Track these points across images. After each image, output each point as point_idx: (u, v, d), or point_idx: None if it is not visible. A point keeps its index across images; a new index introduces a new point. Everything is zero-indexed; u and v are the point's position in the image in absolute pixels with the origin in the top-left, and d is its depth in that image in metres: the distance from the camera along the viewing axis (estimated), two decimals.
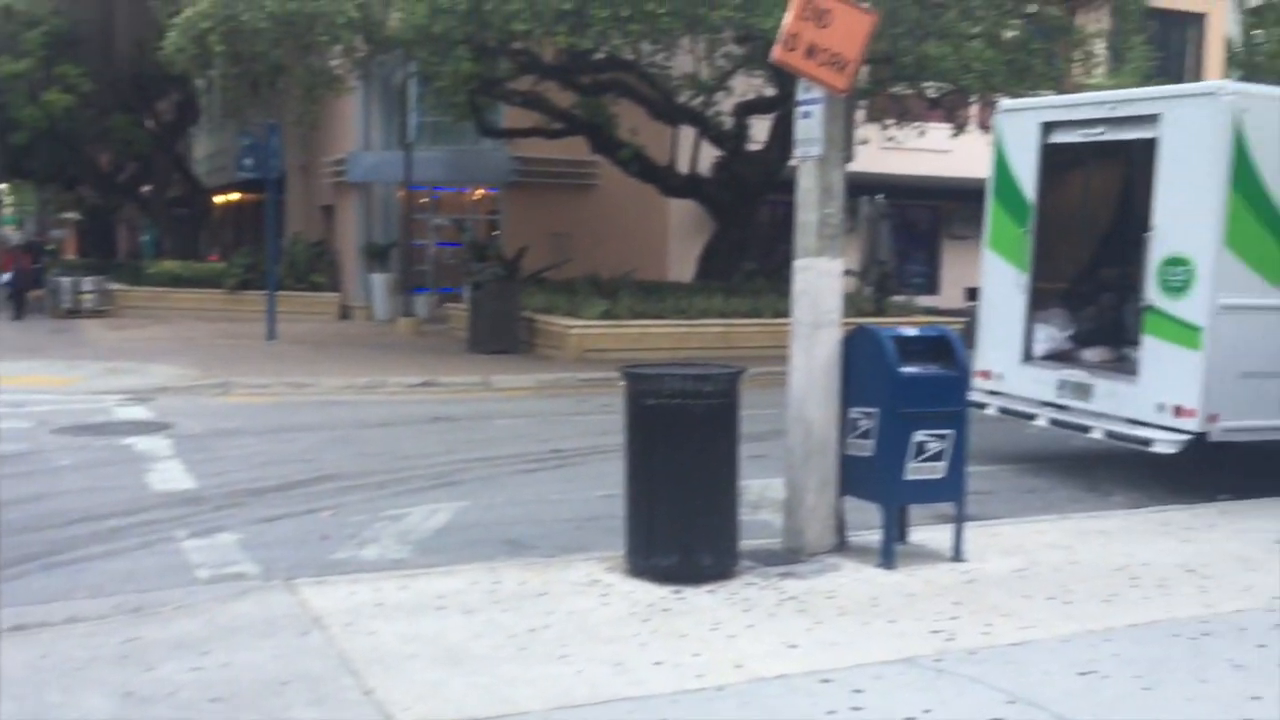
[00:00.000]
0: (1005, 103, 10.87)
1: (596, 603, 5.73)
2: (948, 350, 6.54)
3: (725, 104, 20.08)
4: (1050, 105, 10.63)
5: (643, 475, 6.15)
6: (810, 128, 6.68)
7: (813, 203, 6.67)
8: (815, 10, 6.49)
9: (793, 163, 6.77)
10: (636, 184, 21.52)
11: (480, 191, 26.33)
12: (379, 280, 24.98)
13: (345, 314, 25.49)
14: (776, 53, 6.66)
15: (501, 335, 18.19)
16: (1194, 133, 8.59)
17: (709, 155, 21.00)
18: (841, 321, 6.70)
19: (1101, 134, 9.44)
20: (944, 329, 6.82)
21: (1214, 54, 26.40)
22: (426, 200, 25.74)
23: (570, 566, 6.36)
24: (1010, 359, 10.00)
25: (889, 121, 20.26)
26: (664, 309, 18.04)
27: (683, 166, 21.15)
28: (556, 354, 17.45)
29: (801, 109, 6.74)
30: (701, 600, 5.77)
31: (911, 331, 6.72)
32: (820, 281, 6.64)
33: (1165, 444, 8.58)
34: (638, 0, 14.80)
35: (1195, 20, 26.55)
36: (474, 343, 18.36)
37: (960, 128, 19.84)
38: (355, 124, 25.11)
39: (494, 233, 25.73)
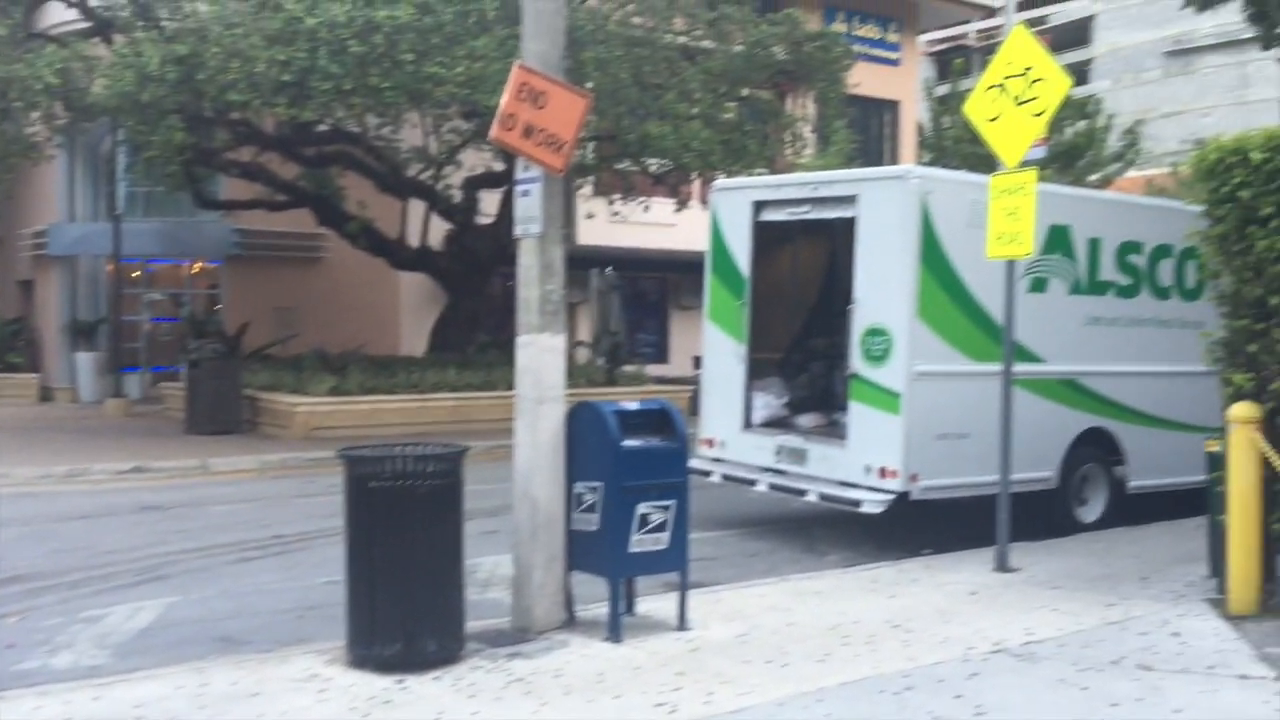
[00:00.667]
0: (719, 182, 11.40)
1: (313, 699, 5.46)
2: (668, 422, 6.71)
3: (455, 177, 20.09)
4: (761, 185, 11.21)
5: (364, 560, 5.95)
6: (529, 206, 6.76)
7: (534, 279, 6.73)
8: (531, 91, 6.61)
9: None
10: (366, 257, 21.14)
11: (199, 265, 25.16)
12: (85, 359, 23.34)
13: (46, 396, 23.62)
14: (494, 132, 6.73)
15: (222, 415, 17.33)
16: (886, 213, 9.25)
17: (439, 228, 20.91)
18: (566, 396, 6.76)
19: (807, 213, 10.02)
20: (664, 402, 6.98)
21: (908, 138, 28.73)
22: (139, 274, 24.36)
23: (287, 661, 6.05)
24: (731, 427, 10.36)
25: (615, 196, 20.81)
26: (395, 384, 17.71)
27: (413, 239, 20.94)
28: (282, 433, 16.76)
29: (520, 187, 6.82)
30: (426, 689, 5.61)
31: (633, 405, 6.84)
32: (543, 358, 6.69)
33: (872, 504, 9.09)
34: (360, 74, 14.62)
35: (891, 106, 28.80)
36: (192, 424, 17.40)
37: (683, 203, 20.61)
38: (57, 194, 23.52)
39: (215, 307, 24.59)
